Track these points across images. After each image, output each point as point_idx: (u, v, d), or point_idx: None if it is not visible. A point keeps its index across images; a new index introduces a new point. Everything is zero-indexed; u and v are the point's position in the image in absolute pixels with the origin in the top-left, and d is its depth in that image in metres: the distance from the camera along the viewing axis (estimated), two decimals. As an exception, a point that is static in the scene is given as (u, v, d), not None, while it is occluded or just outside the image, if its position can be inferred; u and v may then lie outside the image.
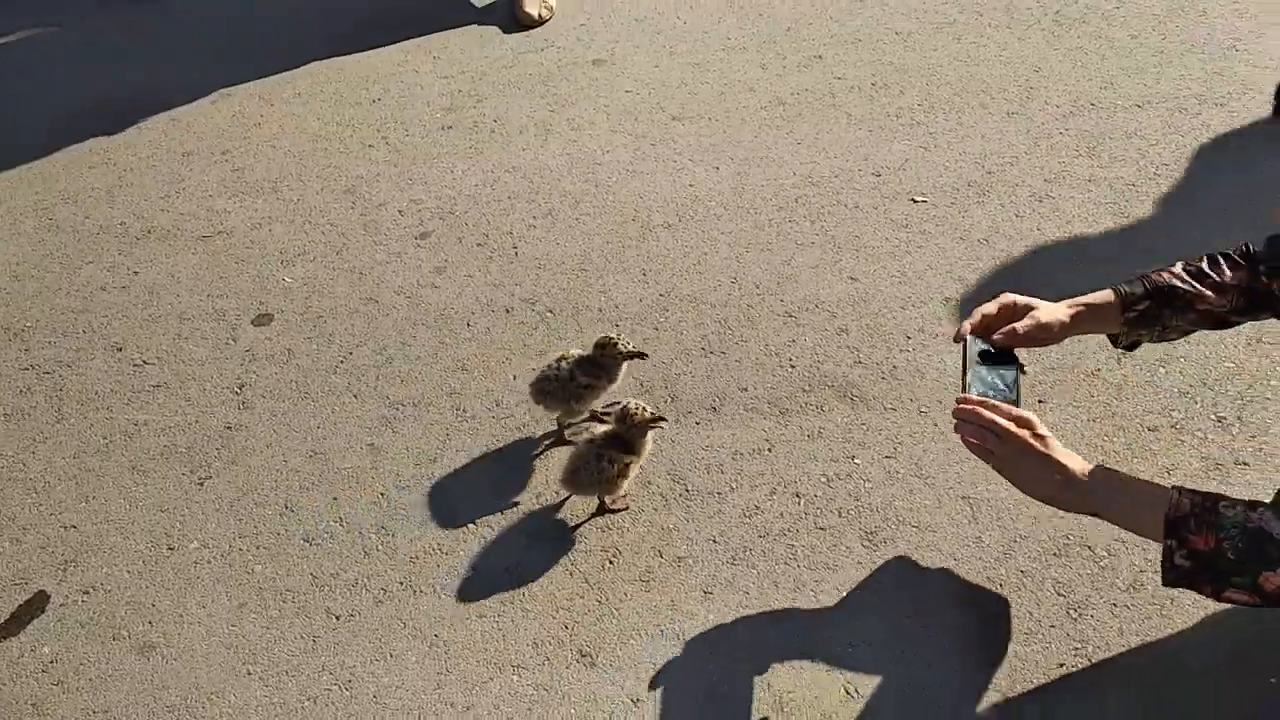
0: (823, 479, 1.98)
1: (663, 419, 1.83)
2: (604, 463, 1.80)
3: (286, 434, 2.09)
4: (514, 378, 2.20)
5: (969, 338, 1.63)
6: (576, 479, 1.83)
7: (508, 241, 2.55)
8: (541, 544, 1.87)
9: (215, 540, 1.91)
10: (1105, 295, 1.64)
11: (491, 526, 1.91)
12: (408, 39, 3.32)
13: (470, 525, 1.91)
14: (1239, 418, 2.05)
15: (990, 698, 1.62)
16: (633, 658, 1.69)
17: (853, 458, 2.02)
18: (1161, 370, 2.17)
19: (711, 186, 2.70)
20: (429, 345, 2.28)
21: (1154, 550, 1.80)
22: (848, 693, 1.64)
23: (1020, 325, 1.59)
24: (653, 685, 1.66)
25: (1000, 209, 2.60)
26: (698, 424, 2.09)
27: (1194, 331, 1.71)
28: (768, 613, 1.76)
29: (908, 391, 2.15)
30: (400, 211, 2.66)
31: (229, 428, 2.11)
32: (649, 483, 1.98)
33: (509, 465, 2.02)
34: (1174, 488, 1.31)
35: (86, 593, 1.83)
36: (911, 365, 2.21)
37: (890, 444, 2.04)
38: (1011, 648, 1.69)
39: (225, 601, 1.80)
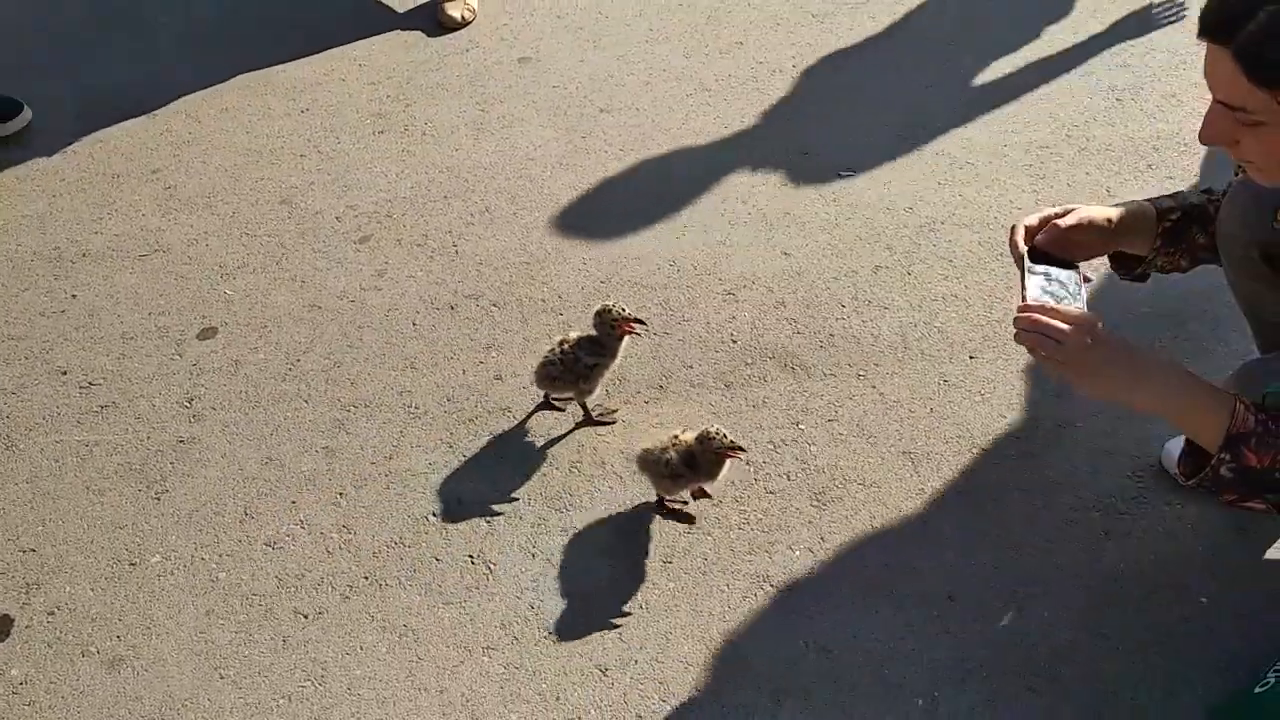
0: (770, 445, 2.05)
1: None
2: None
3: (240, 443, 2.11)
4: (463, 372, 2.24)
5: (1024, 249, 1.52)
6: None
7: (447, 240, 2.58)
8: (501, 529, 1.92)
9: (177, 552, 1.92)
10: (1141, 204, 1.59)
11: (451, 517, 1.94)
12: (332, 47, 3.33)
13: (430, 517, 1.95)
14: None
15: (952, 645, 1.70)
16: (597, 629, 1.75)
17: (797, 424, 2.10)
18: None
19: (644, 175, 2.76)
20: (376, 346, 2.30)
21: (1088, 488, 1.91)
22: (807, 646, 1.72)
23: (1065, 221, 1.52)
24: (620, 654, 1.71)
25: (923, 178, 2.69)
26: (646, 403, 2.15)
27: (1201, 264, 1.66)
28: (724, 575, 1.82)
29: (845, 358, 2.23)
30: (337, 218, 2.68)
31: (182, 441, 2.12)
32: (603, 463, 2.03)
33: (463, 457, 2.06)
34: (1235, 398, 1.28)
35: (51, 613, 1.83)
36: (848, 332, 2.30)
37: (831, 408, 2.12)
38: (961, 586, 1.78)
39: (192, 610, 1.82)
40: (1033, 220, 1.56)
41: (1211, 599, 1.74)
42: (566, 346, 1.99)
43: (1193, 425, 1.33)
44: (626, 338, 2.02)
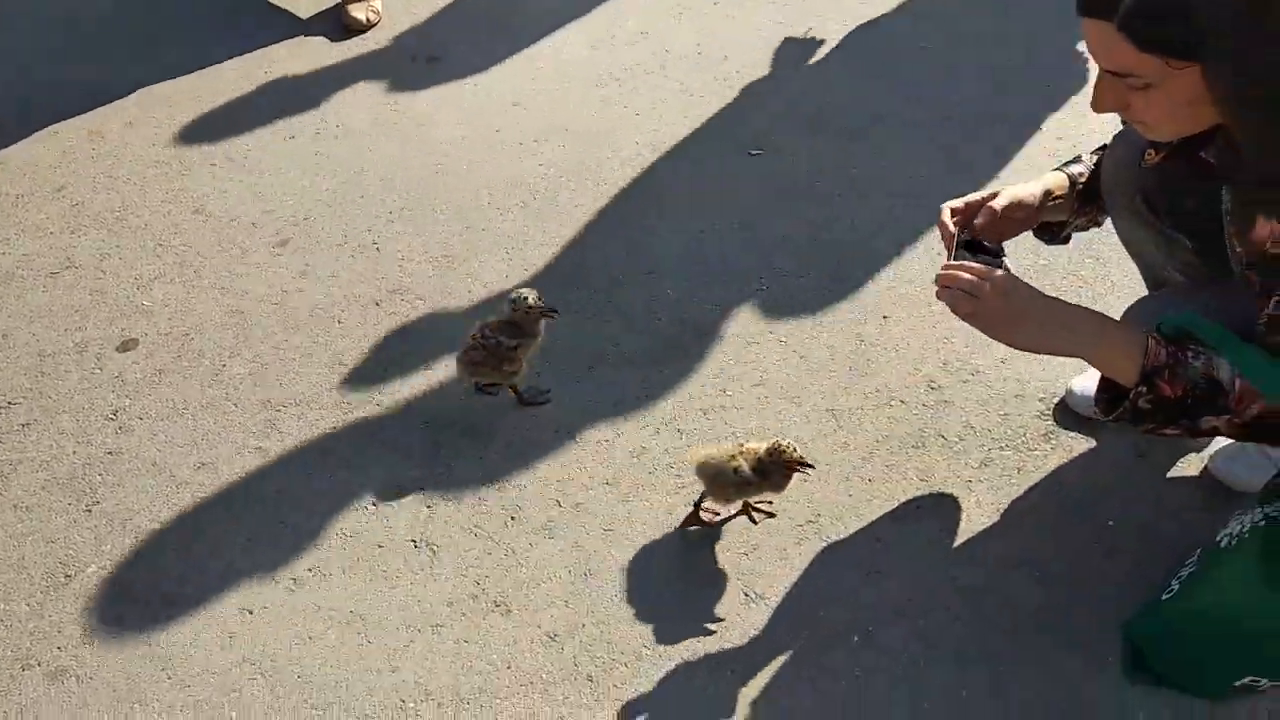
0: (700, 413, 2.12)
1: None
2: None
3: (170, 450, 2.09)
4: (392, 364, 2.25)
5: (955, 231, 1.64)
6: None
7: (367, 239, 2.59)
8: (442, 514, 1.94)
9: (114, 560, 1.90)
10: (1057, 174, 1.71)
11: (392, 505, 1.96)
12: (234, 56, 3.29)
13: (370, 506, 1.96)
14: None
15: (881, 584, 1.79)
16: (545, 600, 1.79)
17: (724, 390, 2.17)
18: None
19: (559, 165, 2.81)
20: (303, 346, 2.30)
21: (1001, 429, 2.02)
22: (746, 595, 1.79)
23: (996, 203, 1.64)
24: (568, 621, 1.75)
25: (827, 152, 2.79)
26: (577, 381, 2.20)
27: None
28: (663, 538, 1.88)
29: (766, 326, 2.32)
30: (254, 224, 2.66)
31: (110, 453, 2.09)
32: (538, 441, 2.07)
33: (398, 446, 2.07)
34: (1148, 335, 1.34)
35: (-15, 634, 1.80)
36: (766, 303, 2.38)
37: (757, 374, 2.20)
38: (889, 530, 1.87)
39: (134, 616, 1.80)
40: (958, 203, 1.69)
41: (1118, 521, 1.87)
42: (488, 332, 2.02)
43: (1109, 364, 1.40)
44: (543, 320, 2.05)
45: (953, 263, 1.52)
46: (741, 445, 1.79)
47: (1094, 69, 1.38)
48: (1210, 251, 1.54)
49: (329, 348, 2.30)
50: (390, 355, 2.27)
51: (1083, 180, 1.75)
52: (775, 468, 1.75)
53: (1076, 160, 1.79)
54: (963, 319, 1.46)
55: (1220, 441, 1.96)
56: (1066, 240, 1.88)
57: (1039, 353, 1.50)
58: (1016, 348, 1.49)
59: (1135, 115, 1.38)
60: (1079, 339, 1.41)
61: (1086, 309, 1.45)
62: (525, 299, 2.00)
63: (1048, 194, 1.72)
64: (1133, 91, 1.32)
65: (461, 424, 2.11)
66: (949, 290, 1.46)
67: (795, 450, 1.74)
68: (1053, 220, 1.79)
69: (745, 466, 1.74)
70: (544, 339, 2.07)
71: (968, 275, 1.44)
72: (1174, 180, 1.57)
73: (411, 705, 1.65)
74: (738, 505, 1.88)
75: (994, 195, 1.68)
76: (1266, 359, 1.33)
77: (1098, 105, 1.38)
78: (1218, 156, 1.38)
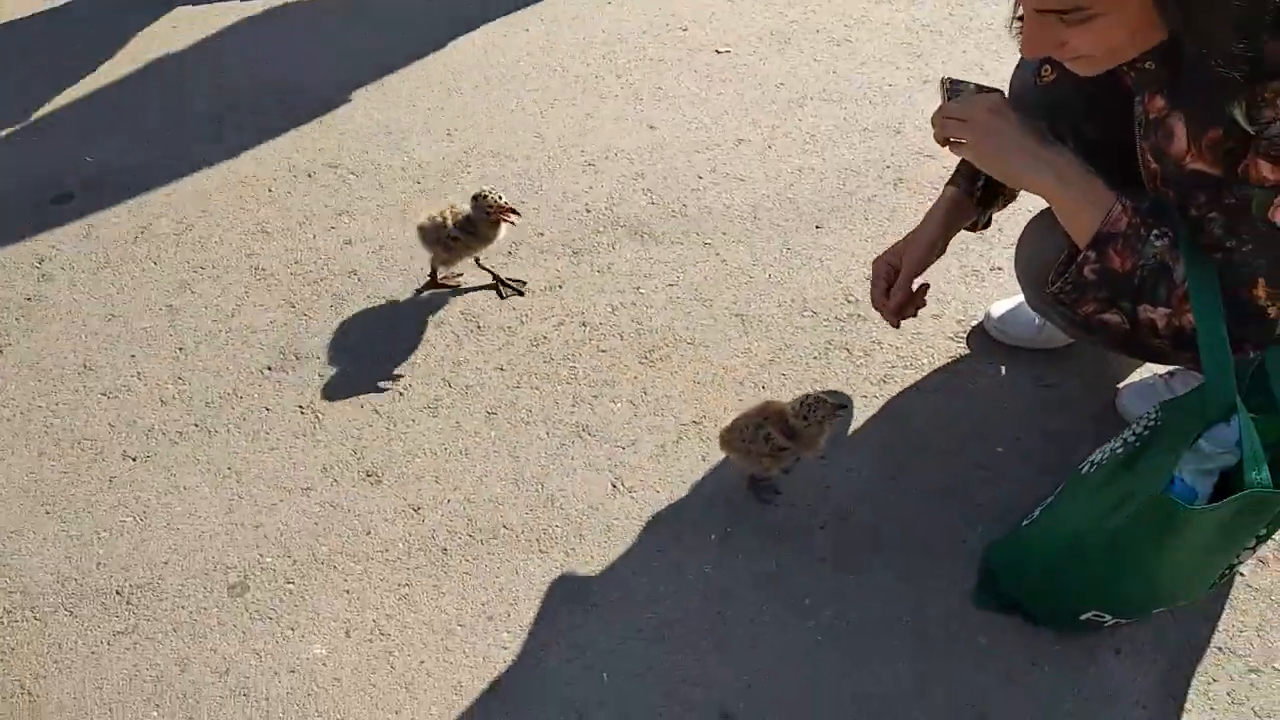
0: (608, 308, 2.10)
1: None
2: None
3: (86, 301, 2.13)
4: (313, 236, 2.26)
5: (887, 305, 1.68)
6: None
7: (312, 109, 2.57)
8: (334, 384, 1.96)
9: (14, 400, 1.96)
10: (948, 193, 1.69)
11: (286, 370, 1.99)
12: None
13: (265, 371, 1.99)
14: (999, 229, 2.21)
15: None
16: (416, 474, 1.81)
17: (638, 288, 2.14)
18: (933, 192, 2.32)
19: (521, 47, 2.74)
20: (229, 211, 2.31)
21: (910, 348, 1.97)
22: (615, 486, 1.79)
23: (904, 284, 1.65)
24: (434, 494, 1.78)
25: (799, 55, 2.69)
26: (494, 267, 2.18)
27: None
28: (545, 425, 1.88)
29: (694, 227, 2.27)
30: (201, 95, 2.66)
31: (29, 299, 2.14)
32: (442, 323, 2.07)
33: (304, 316, 2.09)
34: (1119, 199, 1.28)
35: (-118, 457, 1.88)
36: (701, 204, 2.32)
37: (674, 273, 2.16)
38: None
39: (24, 453, 1.87)
40: (880, 287, 1.68)
41: (1008, 449, 1.82)
42: (446, 215, 2.01)
43: (1073, 217, 1.33)
44: (503, 225, 2.01)
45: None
46: (765, 403, 1.68)
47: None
48: (1113, 175, 1.47)
49: (254, 215, 2.31)
50: (313, 228, 2.28)
51: (979, 184, 1.68)
52: (809, 428, 1.62)
53: (960, 167, 1.69)
54: (954, 147, 1.41)
55: (1131, 377, 1.90)
56: (988, 225, 1.80)
57: (1020, 185, 1.40)
58: (998, 176, 1.41)
59: (1072, 51, 1.28)
60: (1052, 180, 1.32)
61: (1075, 157, 1.35)
62: (486, 196, 1.97)
63: (951, 225, 1.68)
64: (1070, 28, 1.23)
65: (368, 297, 2.12)
66: (941, 120, 1.41)
67: (825, 401, 1.60)
68: (966, 224, 1.74)
69: (776, 433, 1.62)
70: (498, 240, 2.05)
71: (961, 105, 1.40)
72: (1074, 105, 1.49)
73: (269, 560, 1.69)
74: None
75: (895, 271, 1.67)
76: (1208, 270, 1.27)
77: (1030, 48, 1.28)
78: (1138, 75, 1.31)
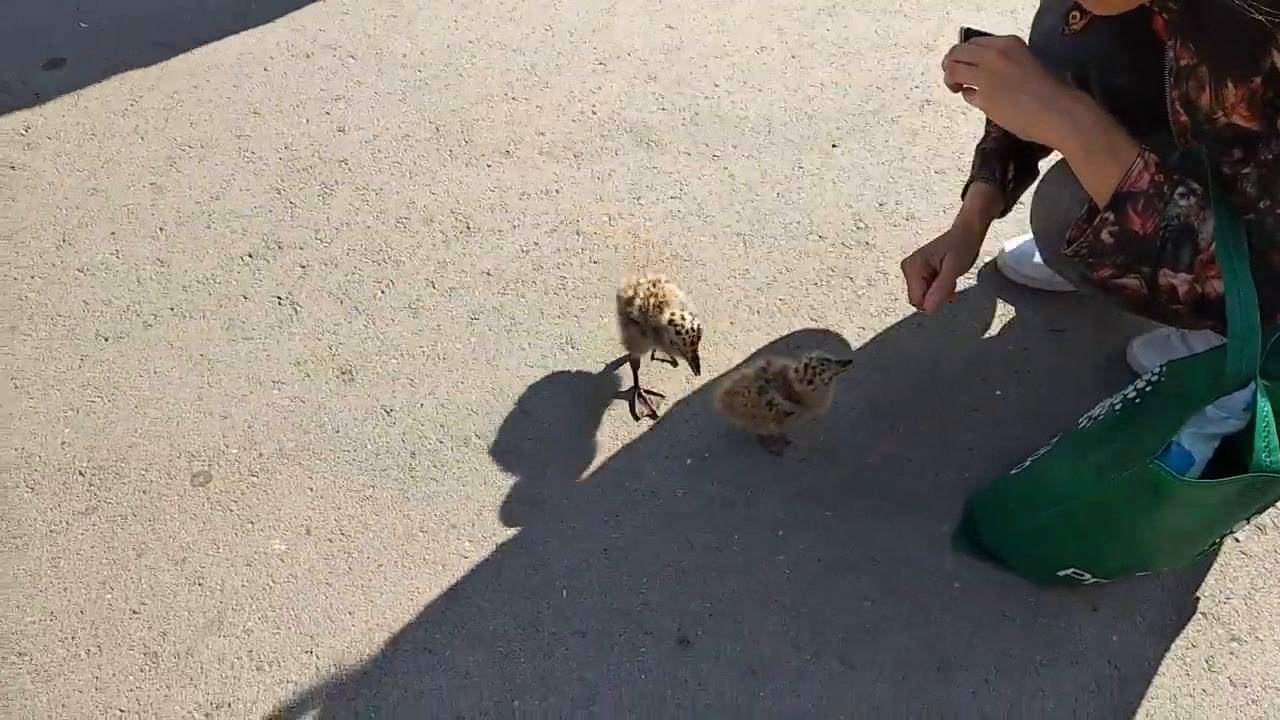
0: (605, 218, 2.01)
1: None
2: None
3: (69, 172, 2.07)
4: (306, 121, 2.17)
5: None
6: None
7: (317, -8, 2.45)
8: (314, 274, 1.90)
9: (-12, 270, 1.92)
10: (980, 189, 1.59)
11: (267, 258, 1.93)
12: None
13: (246, 257, 1.93)
14: (1025, 163, 2.08)
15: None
16: (391, 374, 1.76)
17: (638, 199, 2.04)
18: (960, 117, 2.19)
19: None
20: (222, 89, 2.22)
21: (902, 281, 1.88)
22: (594, 403, 1.73)
23: (945, 277, 1.52)
24: (407, 398, 1.73)
25: (833, -38, 2.52)
26: (489, 166, 2.09)
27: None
28: (529, 335, 1.82)
29: (704, 137, 2.16)
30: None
31: (12, 168, 2.08)
32: (431, 220, 2.00)
33: (290, 200, 2.02)
34: (1142, 152, 1.17)
35: None
36: (713, 112, 2.21)
37: (678, 186, 2.06)
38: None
39: (-6, 326, 1.84)
40: (916, 283, 1.55)
41: (1006, 393, 1.74)
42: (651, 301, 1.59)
43: (1090, 170, 1.22)
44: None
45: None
46: (764, 369, 1.55)
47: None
48: (1142, 129, 1.35)
49: (247, 94, 2.21)
50: (306, 112, 2.19)
51: (1011, 176, 1.58)
52: (814, 392, 1.55)
53: (987, 157, 1.59)
54: (966, 94, 1.31)
55: (1146, 329, 1.80)
56: (1010, 210, 1.69)
57: (1033, 136, 1.30)
58: (1009, 124, 1.29)
59: None
60: (1067, 130, 1.22)
61: (1093, 103, 1.24)
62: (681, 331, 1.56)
63: (985, 217, 1.59)
64: None
65: (357, 188, 2.04)
66: (951, 64, 1.31)
67: (830, 361, 1.51)
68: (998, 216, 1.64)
69: (779, 397, 1.52)
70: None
71: (973, 46, 1.30)
72: (1103, 54, 1.36)
73: (235, 452, 1.66)
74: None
75: (933, 272, 1.55)
76: (1238, 230, 1.17)
77: None
78: (1169, 17, 1.18)
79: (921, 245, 1.60)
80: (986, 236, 1.62)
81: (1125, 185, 1.17)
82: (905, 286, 1.90)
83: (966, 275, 1.88)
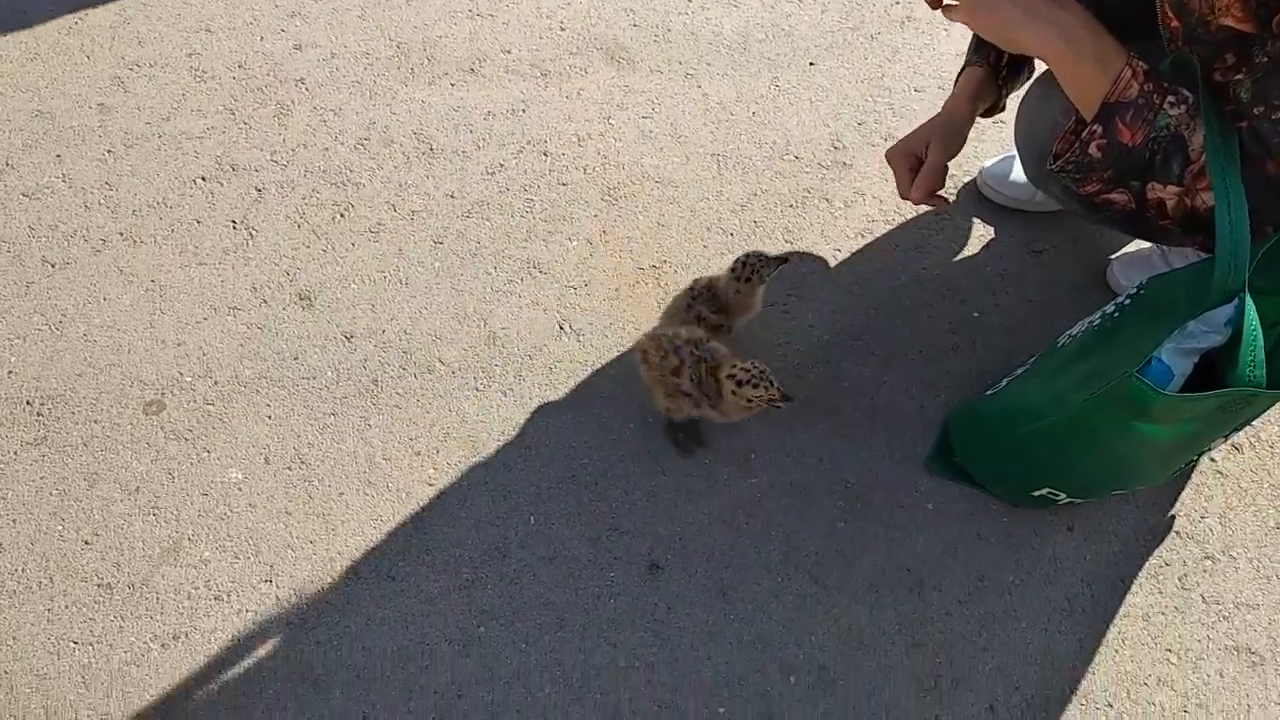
0: (574, 138, 1.93)
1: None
2: None
3: (12, 94, 1.97)
4: (261, 38, 2.07)
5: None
6: None
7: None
8: (270, 198, 1.83)
9: (-72, 196, 1.83)
10: (972, 74, 1.51)
11: (221, 182, 1.85)
12: None
13: (199, 181, 1.85)
14: (1007, 81, 2.02)
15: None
16: (351, 300, 1.70)
17: (609, 119, 1.97)
18: (942, 34, 2.11)
19: None
20: (172, 5, 2.12)
21: (894, 200, 1.82)
22: (562, 328, 1.68)
23: (932, 163, 1.44)
24: (369, 323, 1.67)
25: None
26: (453, 85, 2.01)
27: None
28: (494, 259, 1.76)
29: (678, 54, 2.07)
30: None
31: (-51, 89, 1.98)
32: (392, 141, 1.92)
33: (244, 121, 1.93)
34: (1130, 60, 1.12)
35: None
36: (687, 29, 2.12)
37: (650, 105, 1.99)
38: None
39: (-64, 253, 1.76)
40: (901, 157, 1.47)
41: (984, 315, 1.70)
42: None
43: (1077, 81, 1.17)
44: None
45: None
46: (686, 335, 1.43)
47: None
48: (1130, 37, 1.28)
49: (199, 11, 2.11)
50: (261, 29, 2.09)
51: (1004, 61, 1.50)
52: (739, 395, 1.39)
53: (981, 43, 1.51)
54: (944, 8, 1.24)
55: (1126, 248, 1.76)
56: (1003, 109, 1.60)
57: (1016, 46, 1.22)
58: (992, 34, 1.22)
59: None
60: (1056, 34, 1.16)
61: (1078, 7, 1.18)
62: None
63: (976, 101, 1.50)
64: None
65: (315, 109, 1.96)
66: None
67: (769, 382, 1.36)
68: (987, 104, 1.56)
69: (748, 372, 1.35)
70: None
71: None
72: None
73: (189, 380, 1.61)
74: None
75: (919, 161, 1.47)
76: (1230, 140, 1.11)
77: None
78: None
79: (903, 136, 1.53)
80: (969, 139, 1.55)
81: (1113, 95, 1.12)
82: (881, 209, 1.86)
83: (944, 196, 1.83)
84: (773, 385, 1.34)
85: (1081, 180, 1.22)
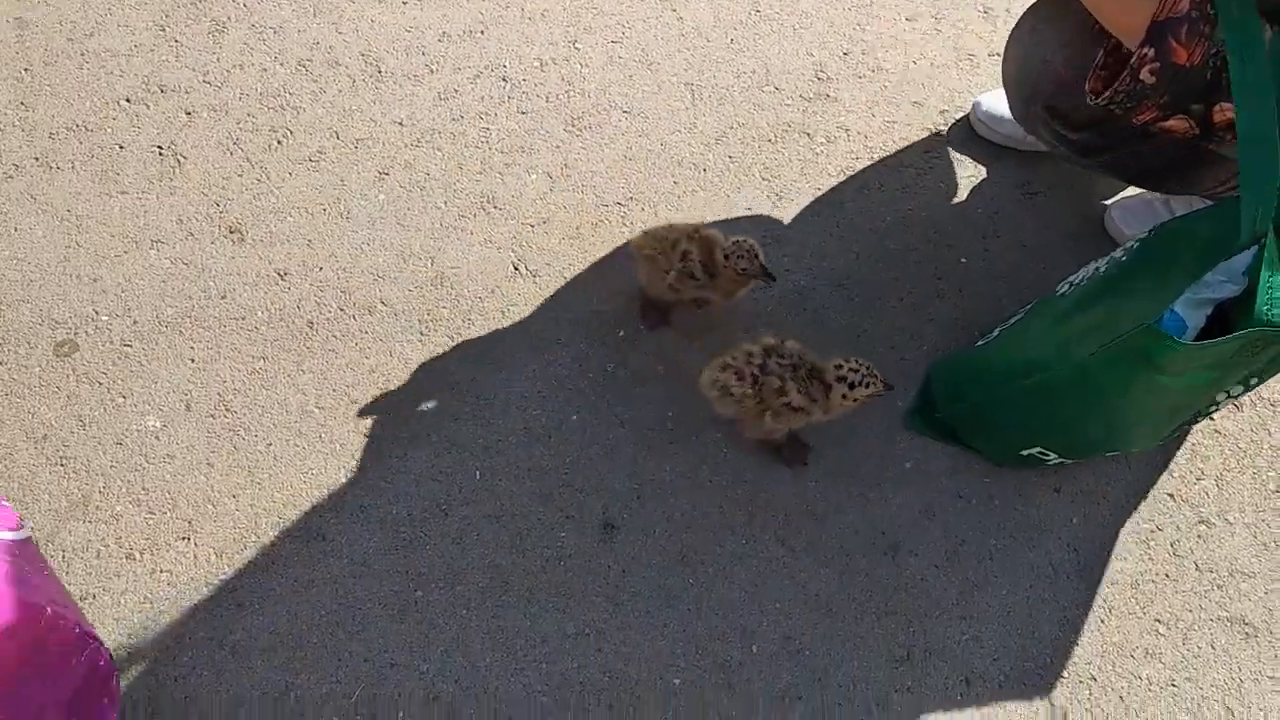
0: (536, 63, 1.78)
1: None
2: None
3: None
4: (195, -51, 1.89)
5: None
6: None
7: None
8: (201, 122, 1.68)
9: None
10: None
11: (147, 103, 1.69)
12: None
13: (123, 102, 1.69)
14: (1006, 9, 1.88)
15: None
16: (287, 234, 1.56)
17: (574, 42, 1.82)
18: (936, -40, 1.96)
19: None
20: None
21: (881, 138, 1.69)
22: (517, 268, 1.55)
23: None
24: (303, 259, 1.54)
25: None
26: (404, 3, 1.85)
27: None
28: (445, 193, 1.62)
29: (650, -25, 1.92)
30: None
31: None
32: (336, 63, 1.76)
33: (175, 38, 1.77)
34: None
35: None
36: (661, -52, 1.96)
37: (620, 28, 1.84)
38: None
39: None
40: None
41: (973, 260, 1.59)
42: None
43: (1117, 2, 1.05)
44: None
45: None
46: (749, 353, 1.29)
47: None
48: None
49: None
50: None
51: None
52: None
53: None
54: None
55: (1127, 191, 1.64)
56: None
57: None
58: None
59: None
60: None
61: None
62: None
63: None
64: None
65: (252, 26, 1.79)
66: None
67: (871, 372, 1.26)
68: None
69: (798, 397, 1.25)
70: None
71: None
72: None
73: (105, 319, 1.47)
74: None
75: None
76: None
77: None
78: None
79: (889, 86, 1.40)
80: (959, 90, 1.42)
81: (1163, 12, 1.00)
82: (866, 145, 1.73)
83: (935, 133, 1.70)
84: (878, 379, 1.24)
85: (1134, 109, 1.10)
